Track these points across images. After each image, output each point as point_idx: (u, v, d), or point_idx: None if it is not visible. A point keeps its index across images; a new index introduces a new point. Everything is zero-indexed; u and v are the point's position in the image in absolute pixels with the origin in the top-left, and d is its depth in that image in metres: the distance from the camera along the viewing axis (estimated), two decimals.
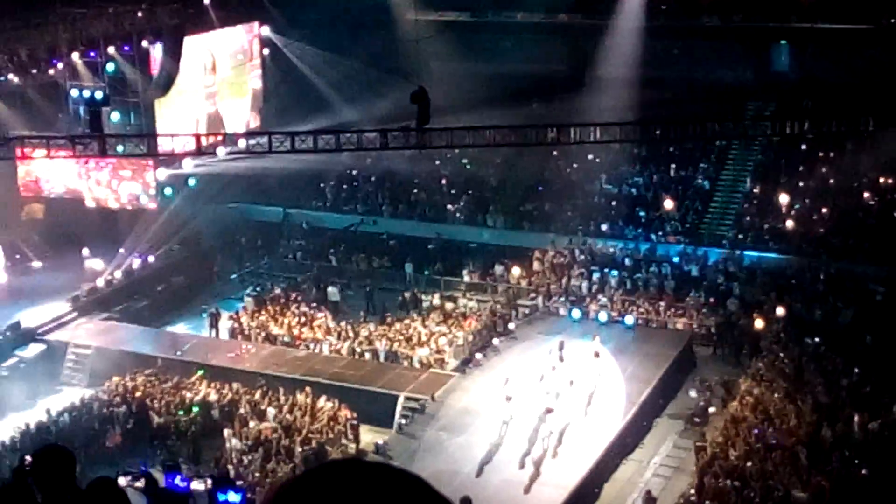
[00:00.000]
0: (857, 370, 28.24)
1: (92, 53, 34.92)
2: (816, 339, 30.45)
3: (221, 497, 14.24)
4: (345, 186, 43.23)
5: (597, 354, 30.05)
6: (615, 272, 36.26)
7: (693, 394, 29.32)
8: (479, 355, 31.80)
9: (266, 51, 42.32)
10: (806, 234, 36.49)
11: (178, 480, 13.45)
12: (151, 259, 37.43)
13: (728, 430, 26.15)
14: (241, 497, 14.83)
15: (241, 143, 34.90)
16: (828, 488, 22.95)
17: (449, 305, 34.84)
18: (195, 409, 28.32)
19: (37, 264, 38.04)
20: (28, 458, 5.11)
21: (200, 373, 30.18)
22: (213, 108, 39.33)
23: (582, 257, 37.45)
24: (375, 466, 1.79)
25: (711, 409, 28.46)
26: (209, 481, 13.06)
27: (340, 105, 40.40)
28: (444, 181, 42.32)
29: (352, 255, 39.37)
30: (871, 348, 29.53)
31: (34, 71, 34.62)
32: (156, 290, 37.04)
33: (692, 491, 24.14)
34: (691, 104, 37.44)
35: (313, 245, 40.37)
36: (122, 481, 10.90)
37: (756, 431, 25.62)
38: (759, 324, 32.21)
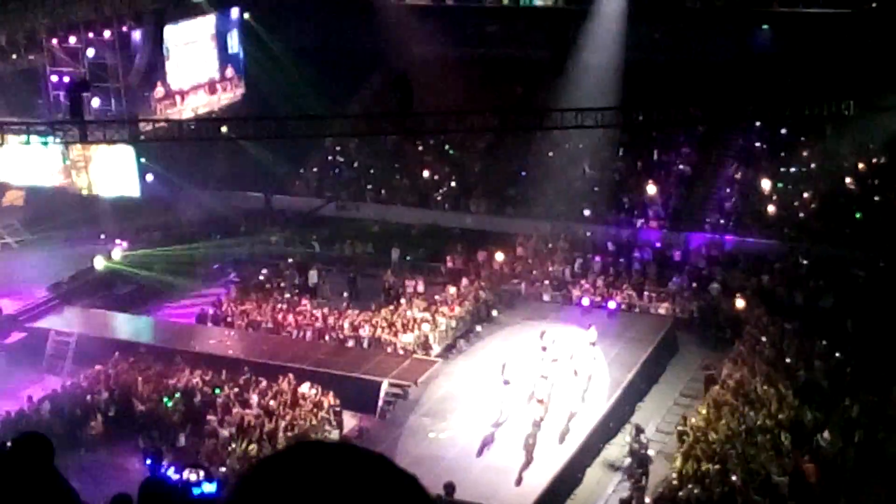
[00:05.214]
0: (837, 354, 28.41)
1: (72, 39, 34.63)
2: (798, 323, 30.60)
3: (196, 490, 13.84)
4: (329, 173, 43.12)
5: (593, 344, 30.00)
6: (598, 257, 36.35)
7: (627, 439, 25.61)
8: (462, 341, 31.85)
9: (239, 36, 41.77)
10: (787, 219, 36.64)
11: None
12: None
13: (710, 414, 26.25)
14: (216, 486, 14.51)
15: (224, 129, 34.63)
16: (812, 470, 23.09)
17: (432, 291, 34.83)
18: (177, 397, 28.26)
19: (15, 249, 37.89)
20: (8, 444, 5.07)
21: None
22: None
23: (564, 243, 37.51)
24: (338, 447, 1.85)
25: (651, 464, 24.61)
26: (201, 473, 12.67)
27: (322, 91, 40.14)
28: (426, 167, 42.23)
29: (335, 241, 39.30)
30: (853, 332, 29.69)
31: (13, 56, 34.31)
32: (137, 277, 36.89)
33: (674, 475, 24.24)
34: (674, 89, 37.49)
35: (296, 231, 40.26)
36: None
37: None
38: (740, 307, 32.35)
